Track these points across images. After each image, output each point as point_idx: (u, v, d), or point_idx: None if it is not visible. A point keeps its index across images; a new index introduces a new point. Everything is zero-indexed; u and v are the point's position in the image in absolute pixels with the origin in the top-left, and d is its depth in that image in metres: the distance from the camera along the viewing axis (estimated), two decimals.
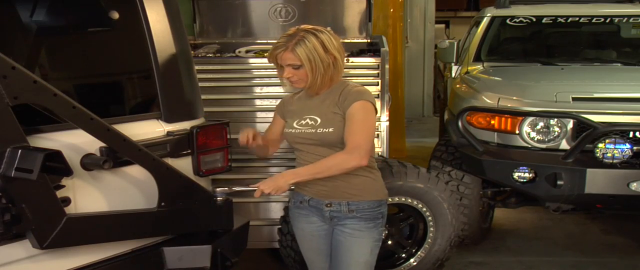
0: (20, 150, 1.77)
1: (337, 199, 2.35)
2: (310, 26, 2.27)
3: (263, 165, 3.68)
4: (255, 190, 2.24)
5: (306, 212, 2.45)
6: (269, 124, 2.57)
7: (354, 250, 2.37)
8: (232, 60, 3.73)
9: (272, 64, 2.34)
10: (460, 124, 3.82)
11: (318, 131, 2.30)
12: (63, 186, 2.03)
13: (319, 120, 2.31)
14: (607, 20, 5.17)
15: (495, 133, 3.78)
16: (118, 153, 2.11)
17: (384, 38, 3.99)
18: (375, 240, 2.40)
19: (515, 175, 3.60)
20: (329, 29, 2.32)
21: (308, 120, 2.33)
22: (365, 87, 2.38)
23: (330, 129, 2.28)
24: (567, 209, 3.92)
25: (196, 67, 2.63)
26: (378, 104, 3.72)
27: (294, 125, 2.37)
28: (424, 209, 3.46)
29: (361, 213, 2.35)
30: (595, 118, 3.50)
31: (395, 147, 6.57)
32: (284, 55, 2.22)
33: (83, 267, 2.15)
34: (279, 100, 2.58)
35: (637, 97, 3.77)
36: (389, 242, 3.56)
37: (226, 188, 2.39)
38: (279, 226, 3.48)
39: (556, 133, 3.64)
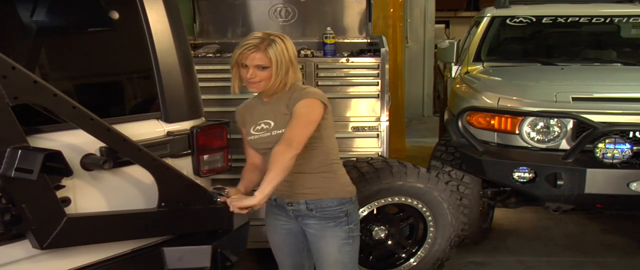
0: (20, 151, 1.77)
1: (295, 198, 2.40)
2: (275, 33, 2.35)
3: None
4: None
5: (275, 209, 2.51)
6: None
7: (322, 250, 2.44)
8: (231, 61, 3.72)
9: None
10: (460, 124, 3.81)
11: (272, 134, 2.35)
12: (63, 186, 2.03)
13: (272, 123, 2.36)
14: (607, 20, 5.16)
15: (495, 133, 3.78)
16: (118, 153, 2.11)
17: (384, 38, 3.99)
18: (341, 238, 2.41)
19: (515, 175, 3.59)
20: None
21: (263, 124, 2.39)
22: (316, 88, 2.43)
23: (282, 131, 2.31)
24: (567, 209, 3.91)
25: (196, 67, 2.63)
26: (378, 104, 3.74)
27: (251, 132, 2.42)
28: (424, 209, 3.46)
29: (321, 212, 2.39)
30: (595, 118, 3.49)
31: (395, 147, 6.56)
32: (255, 55, 2.27)
33: (83, 267, 2.15)
34: None
35: (637, 97, 3.76)
36: (389, 242, 3.56)
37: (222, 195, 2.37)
38: None
39: (556, 133, 3.64)
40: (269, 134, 2.36)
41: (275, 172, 2.19)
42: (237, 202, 2.21)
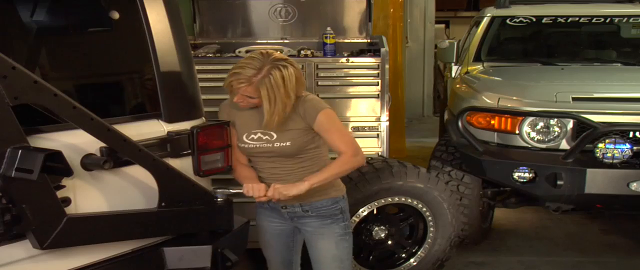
0: (20, 151, 1.77)
1: (289, 202, 2.43)
2: (279, 56, 2.27)
3: None
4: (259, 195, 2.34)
5: (268, 212, 2.55)
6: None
7: (319, 247, 2.50)
8: (232, 60, 3.72)
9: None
10: (460, 124, 3.82)
11: (275, 145, 2.36)
12: (63, 186, 2.03)
13: (274, 135, 2.36)
14: (607, 20, 5.17)
15: (495, 133, 3.78)
16: (118, 153, 2.11)
17: (384, 38, 3.99)
18: (339, 235, 2.48)
19: (515, 175, 3.60)
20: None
21: (260, 134, 2.38)
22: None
23: (288, 143, 2.34)
24: (567, 209, 3.92)
25: (196, 67, 2.62)
26: (378, 104, 3.74)
27: (245, 139, 2.42)
28: (424, 209, 3.46)
29: (316, 212, 2.45)
30: (595, 118, 3.50)
31: (395, 147, 6.56)
32: (247, 88, 2.25)
33: (83, 267, 2.15)
34: None
35: (637, 97, 3.77)
36: (389, 242, 3.56)
37: (227, 190, 2.43)
38: None
39: (556, 133, 3.64)
40: (270, 145, 2.37)
41: (338, 172, 2.35)
42: (285, 189, 2.28)
